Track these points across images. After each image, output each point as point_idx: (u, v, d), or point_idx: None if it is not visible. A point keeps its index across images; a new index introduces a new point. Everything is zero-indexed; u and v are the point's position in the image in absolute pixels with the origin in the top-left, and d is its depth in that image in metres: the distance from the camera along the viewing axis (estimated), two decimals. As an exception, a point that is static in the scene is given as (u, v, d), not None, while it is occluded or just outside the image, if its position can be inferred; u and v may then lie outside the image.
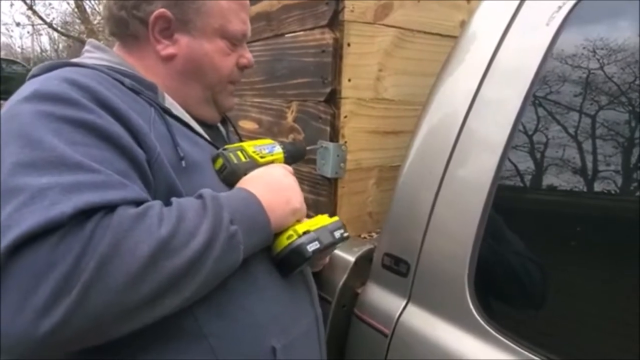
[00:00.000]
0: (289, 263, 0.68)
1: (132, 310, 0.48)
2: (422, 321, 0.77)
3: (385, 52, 1.03)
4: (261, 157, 0.76)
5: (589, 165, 0.62)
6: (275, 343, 0.65)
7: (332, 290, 0.93)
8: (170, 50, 0.70)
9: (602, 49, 0.64)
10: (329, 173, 1.00)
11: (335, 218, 0.77)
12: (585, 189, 0.63)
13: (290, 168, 0.78)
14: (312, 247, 0.68)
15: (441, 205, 0.78)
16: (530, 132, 0.70)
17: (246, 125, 1.34)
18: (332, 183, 1.03)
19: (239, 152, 0.72)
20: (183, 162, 0.62)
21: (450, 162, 0.78)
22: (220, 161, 0.69)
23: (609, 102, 0.62)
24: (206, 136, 0.73)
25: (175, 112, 0.69)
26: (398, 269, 0.83)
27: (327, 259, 0.95)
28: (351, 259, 0.94)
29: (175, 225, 0.51)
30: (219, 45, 0.73)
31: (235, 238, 0.56)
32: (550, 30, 0.70)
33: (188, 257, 0.50)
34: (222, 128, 0.86)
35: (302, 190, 1.10)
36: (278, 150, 0.81)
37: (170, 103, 0.69)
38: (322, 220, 0.75)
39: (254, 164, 0.74)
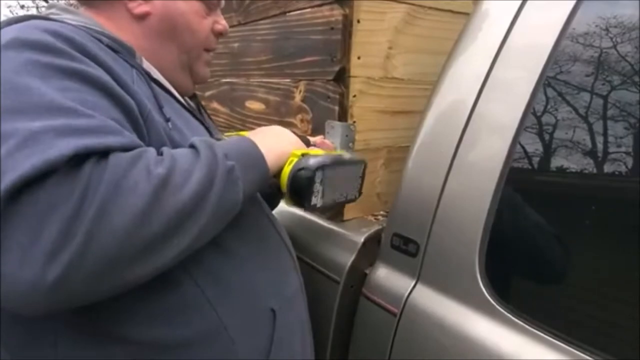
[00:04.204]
0: (299, 187, 0.64)
1: (141, 252, 0.46)
2: (431, 301, 0.77)
3: (395, 30, 1.01)
4: None
5: (606, 148, 0.61)
6: (273, 305, 0.67)
7: (340, 270, 0.94)
8: (144, 8, 0.67)
9: (622, 25, 0.62)
10: (337, 153, 1.00)
11: (341, 151, 0.74)
12: (598, 172, 0.62)
13: None
14: (316, 163, 0.65)
15: (451, 185, 0.77)
16: (543, 114, 0.68)
17: (253, 105, 1.33)
18: (340, 164, 1.02)
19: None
20: (170, 124, 0.60)
21: (461, 142, 0.77)
22: None
23: (629, 82, 0.61)
24: (184, 102, 0.71)
25: (154, 76, 0.67)
26: (407, 249, 0.83)
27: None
28: (360, 239, 0.94)
29: (171, 165, 0.50)
30: (194, 6, 0.71)
31: (234, 172, 0.55)
32: (567, 6, 0.68)
33: (190, 192, 0.49)
34: (192, 103, 0.83)
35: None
36: None
37: (148, 67, 0.67)
38: (328, 151, 0.73)
39: None
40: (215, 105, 1.57)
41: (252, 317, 0.64)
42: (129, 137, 0.51)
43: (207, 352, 0.59)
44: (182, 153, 0.54)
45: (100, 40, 0.60)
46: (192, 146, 0.56)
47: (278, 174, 0.67)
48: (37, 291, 0.42)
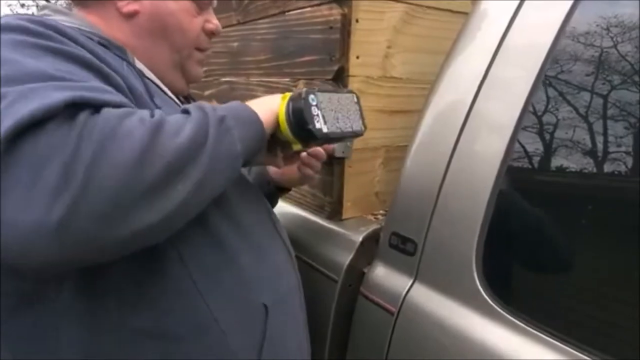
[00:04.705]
0: (297, 114, 0.63)
1: (144, 194, 0.45)
2: (428, 299, 0.77)
3: (394, 29, 1.01)
4: None
5: (606, 147, 0.61)
6: (266, 300, 0.66)
7: (338, 269, 0.94)
8: (133, 6, 0.68)
9: (620, 25, 0.62)
10: (335, 152, 1.00)
11: None
12: (597, 171, 0.62)
13: None
14: (305, 89, 0.65)
15: (449, 185, 0.77)
16: (541, 113, 0.68)
17: (252, 104, 1.33)
18: (338, 163, 1.02)
19: None
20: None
21: (459, 142, 0.77)
22: None
23: (628, 82, 0.61)
24: (176, 100, 0.71)
25: (147, 74, 0.67)
26: (405, 248, 0.83)
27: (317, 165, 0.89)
28: (358, 238, 0.94)
29: (163, 117, 0.50)
30: (185, 5, 0.71)
31: (225, 122, 0.55)
32: (565, 5, 0.68)
33: (186, 138, 0.49)
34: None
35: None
36: None
37: (140, 66, 0.67)
38: None
39: None
40: (214, 104, 1.57)
41: (244, 311, 0.64)
42: (123, 98, 0.52)
43: (199, 345, 0.60)
44: (173, 115, 0.54)
45: (91, 39, 0.61)
46: (182, 111, 0.57)
47: (277, 129, 0.66)
48: (42, 233, 0.41)
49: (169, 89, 0.73)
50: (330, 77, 0.99)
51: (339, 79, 0.98)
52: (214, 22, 0.76)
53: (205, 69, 1.61)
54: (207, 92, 1.61)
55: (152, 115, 0.51)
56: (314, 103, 0.65)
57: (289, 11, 1.10)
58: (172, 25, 0.70)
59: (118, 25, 0.68)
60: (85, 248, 0.44)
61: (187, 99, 0.84)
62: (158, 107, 0.60)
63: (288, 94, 0.67)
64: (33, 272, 0.53)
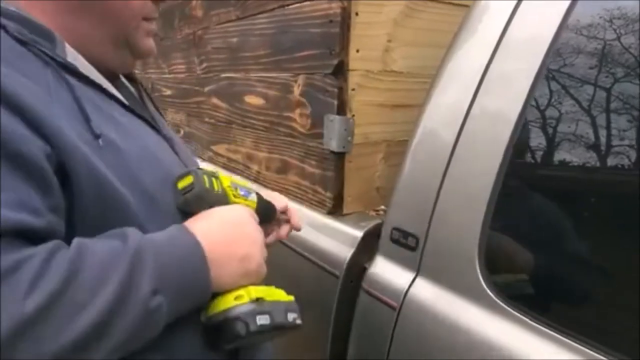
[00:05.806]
0: (226, 332, 0.53)
1: None
2: (430, 294, 0.77)
3: (394, 22, 1.00)
4: (234, 196, 0.64)
5: (609, 141, 0.60)
6: None
7: (339, 265, 0.94)
8: None
9: (622, 17, 0.61)
10: (335, 147, 0.99)
11: (292, 298, 0.61)
12: (600, 165, 0.62)
13: (257, 219, 0.64)
14: (261, 321, 0.53)
15: (451, 179, 0.77)
16: (543, 107, 0.68)
17: (252, 100, 1.32)
18: (339, 158, 1.02)
19: (213, 179, 0.61)
20: (100, 141, 0.50)
21: (460, 136, 0.77)
22: (190, 179, 0.58)
23: (631, 75, 0.60)
24: (123, 100, 0.60)
25: (82, 69, 0.55)
26: (407, 243, 0.83)
27: None
28: (359, 233, 0.94)
29: (55, 294, 0.39)
30: None
31: (156, 314, 0.45)
32: (567, -2, 0.67)
33: (66, 341, 0.39)
34: (132, 88, 0.70)
35: (310, 165, 1.10)
36: (253, 198, 0.68)
37: (73, 56, 0.55)
38: (278, 294, 0.60)
39: (224, 200, 0.61)
40: (214, 100, 1.56)
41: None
42: (30, 218, 0.41)
43: None
44: (95, 262, 0.43)
45: (5, 29, 0.49)
46: (124, 240, 0.46)
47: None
48: None
49: (112, 71, 0.62)
50: (329, 71, 0.99)
51: (339, 73, 0.98)
52: None
53: (205, 65, 1.62)
54: (207, 89, 1.60)
55: (102, 198, 0.44)
56: (246, 339, 0.54)
57: (287, 5, 1.10)
58: None
59: (41, 2, 0.55)
60: None
61: (130, 79, 0.71)
62: (97, 135, 0.50)
63: (258, 291, 0.56)
64: None
